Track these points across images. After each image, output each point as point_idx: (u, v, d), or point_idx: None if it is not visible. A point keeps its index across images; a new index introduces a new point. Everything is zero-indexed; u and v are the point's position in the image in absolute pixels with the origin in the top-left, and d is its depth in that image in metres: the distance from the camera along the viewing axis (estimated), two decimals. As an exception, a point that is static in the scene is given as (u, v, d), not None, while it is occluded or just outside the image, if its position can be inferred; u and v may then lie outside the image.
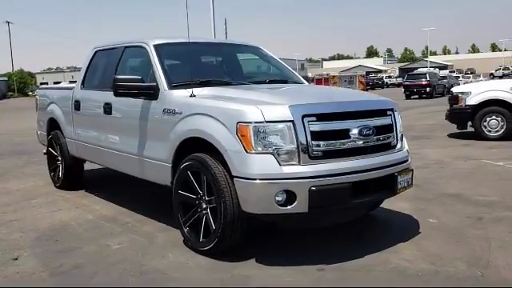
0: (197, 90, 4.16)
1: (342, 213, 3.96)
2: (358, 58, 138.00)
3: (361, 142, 3.74)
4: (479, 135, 10.50)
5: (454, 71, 62.65)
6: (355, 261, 3.69)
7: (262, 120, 3.48)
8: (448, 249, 3.92)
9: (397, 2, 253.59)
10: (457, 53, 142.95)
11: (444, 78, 36.79)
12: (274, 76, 5.28)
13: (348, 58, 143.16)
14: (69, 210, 5.53)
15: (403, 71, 78.55)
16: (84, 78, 5.94)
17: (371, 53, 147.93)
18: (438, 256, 3.76)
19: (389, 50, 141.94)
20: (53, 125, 6.69)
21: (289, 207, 3.45)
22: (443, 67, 79.81)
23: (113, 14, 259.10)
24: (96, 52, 5.94)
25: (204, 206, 3.89)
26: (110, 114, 5.09)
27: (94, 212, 5.38)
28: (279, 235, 4.35)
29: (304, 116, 3.52)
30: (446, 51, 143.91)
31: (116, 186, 6.72)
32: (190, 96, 4.12)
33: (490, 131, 10.43)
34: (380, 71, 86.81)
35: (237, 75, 5.20)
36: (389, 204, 4.89)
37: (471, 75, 54.66)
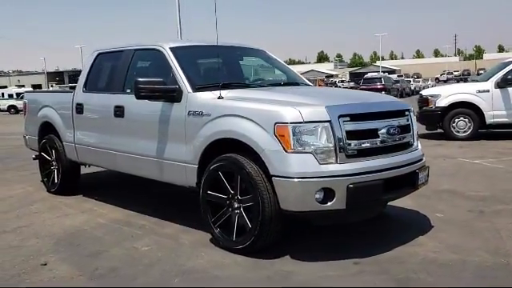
0: (223, 93, 4.24)
1: (369, 209, 4.15)
2: (309, 63, 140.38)
3: (388, 141, 3.95)
4: (448, 135, 11.06)
5: (401, 75, 65.08)
6: (386, 254, 3.88)
7: (301, 120, 3.62)
8: (465, 240, 4.18)
9: (346, 9, 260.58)
10: (402, 58, 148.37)
11: (397, 82, 38.31)
12: (286, 78, 5.41)
13: (300, 62, 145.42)
14: (75, 214, 5.43)
15: (354, 76, 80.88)
16: (86, 81, 5.85)
17: (322, 58, 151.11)
18: (460, 247, 4.01)
19: (339, 56, 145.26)
20: (46, 129, 6.53)
21: (328, 204, 3.59)
22: (391, 71, 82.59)
23: (55, 15, 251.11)
24: (98, 55, 5.87)
25: (236, 205, 3.97)
26: (122, 116, 5.05)
27: (104, 216, 5.31)
28: (304, 233, 4.48)
29: (339, 116, 3.69)
30: (392, 56, 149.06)
31: (112, 190, 6.66)
32: (218, 98, 4.19)
33: (458, 132, 11.01)
34: (331, 76, 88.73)
35: (252, 78, 5.31)
36: (394, 201, 5.12)
37: (420, 79, 57.02)
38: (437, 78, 70.02)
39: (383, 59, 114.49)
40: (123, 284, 3.50)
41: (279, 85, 5.12)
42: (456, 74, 79.61)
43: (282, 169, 3.62)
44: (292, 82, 5.30)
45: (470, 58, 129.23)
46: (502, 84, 10.57)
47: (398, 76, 60.06)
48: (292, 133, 3.60)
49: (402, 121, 4.22)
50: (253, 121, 3.80)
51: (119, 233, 4.69)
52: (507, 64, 10.99)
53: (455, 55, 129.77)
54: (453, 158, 8.66)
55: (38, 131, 6.72)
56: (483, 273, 3.50)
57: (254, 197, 3.76)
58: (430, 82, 50.41)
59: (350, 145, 3.70)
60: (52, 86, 70.66)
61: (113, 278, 3.59)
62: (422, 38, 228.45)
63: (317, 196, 3.58)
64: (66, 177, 6.29)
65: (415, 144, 4.38)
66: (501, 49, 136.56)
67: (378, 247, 4.00)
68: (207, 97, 4.30)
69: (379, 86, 32.26)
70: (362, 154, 3.78)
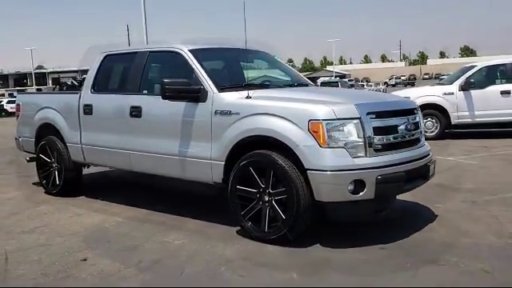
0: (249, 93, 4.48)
1: (389, 199, 4.51)
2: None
3: (406, 137, 4.33)
4: (417, 136, 11.72)
5: (352, 80, 67.16)
6: (406, 239, 4.25)
7: (334, 117, 3.93)
8: (470, 226, 4.61)
9: (295, 14, 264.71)
10: (351, 63, 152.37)
11: (352, 85, 39.70)
12: (297, 80, 5.70)
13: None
14: (89, 214, 5.47)
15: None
16: (94, 82, 5.91)
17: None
18: (468, 232, 4.43)
19: (290, 60, 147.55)
20: (45, 130, 6.50)
21: (360, 194, 3.92)
22: (342, 76, 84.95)
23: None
24: (106, 56, 5.94)
25: (267, 198, 4.21)
26: (139, 117, 5.17)
27: (119, 215, 5.39)
28: (325, 225, 4.76)
29: (367, 113, 4.03)
30: (342, 61, 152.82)
31: (115, 191, 6.69)
32: (246, 98, 4.43)
33: (426, 132, 11.60)
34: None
35: (264, 79, 5.59)
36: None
37: (372, 84, 59.08)
38: (386, 83, 72.68)
39: (333, 64, 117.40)
40: (174, 274, 3.66)
41: (293, 85, 5.41)
42: (403, 78, 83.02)
43: (316, 162, 3.91)
44: (302, 83, 5.61)
45: (414, 63, 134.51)
46: (466, 87, 11.35)
47: (349, 80, 62.02)
48: (326, 129, 3.90)
49: (413, 118, 4.61)
50: (286, 118, 4.07)
51: (143, 229, 4.81)
52: (470, 68, 11.81)
53: (401, 60, 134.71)
54: (428, 155, 9.23)
55: (35, 133, 6.67)
56: (497, 253, 3.91)
57: (288, 190, 4.02)
58: (381, 85, 52.52)
59: (376, 140, 4.05)
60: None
61: (162, 269, 3.75)
62: (370, 44, 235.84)
63: (349, 187, 3.90)
64: (68, 178, 6.30)
65: (422, 139, 4.79)
66: (442, 55, 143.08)
67: (397, 234, 4.35)
68: (234, 96, 4.52)
69: (336, 90, 33.18)
70: (386, 148, 4.13)
